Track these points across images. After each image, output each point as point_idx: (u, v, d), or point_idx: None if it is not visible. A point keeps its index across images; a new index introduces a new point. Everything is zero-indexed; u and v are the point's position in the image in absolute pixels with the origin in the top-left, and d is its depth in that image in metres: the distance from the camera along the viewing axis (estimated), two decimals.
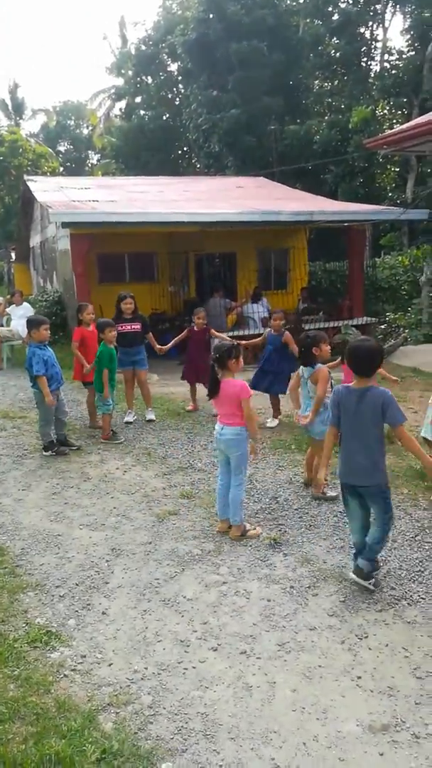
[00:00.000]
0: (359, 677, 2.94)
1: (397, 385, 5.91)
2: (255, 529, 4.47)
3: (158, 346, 7.63)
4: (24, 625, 3.42)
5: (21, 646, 3.21)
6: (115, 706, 2.79)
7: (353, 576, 3.70)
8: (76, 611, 3.57)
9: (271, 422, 7.19)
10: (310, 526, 4.57)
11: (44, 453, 6.32)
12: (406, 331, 12.48)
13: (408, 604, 3.52)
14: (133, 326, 7.36)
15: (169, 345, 7.70)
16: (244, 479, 4.49)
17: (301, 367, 5.25)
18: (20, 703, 2.78)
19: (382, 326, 13.00)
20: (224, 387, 4.34)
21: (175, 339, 7.83)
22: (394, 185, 24.27)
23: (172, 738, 2.60)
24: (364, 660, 3.07)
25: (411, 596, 3.60)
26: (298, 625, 3.36)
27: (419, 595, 3.59)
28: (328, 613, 3.47)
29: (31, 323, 6.34)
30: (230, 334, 11.61)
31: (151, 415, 7.52)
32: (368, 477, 3.56)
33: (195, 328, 7.76)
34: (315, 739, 2.58)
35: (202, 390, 7.59)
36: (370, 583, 3.66)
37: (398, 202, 20.18)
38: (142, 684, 2.94)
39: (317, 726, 2.65)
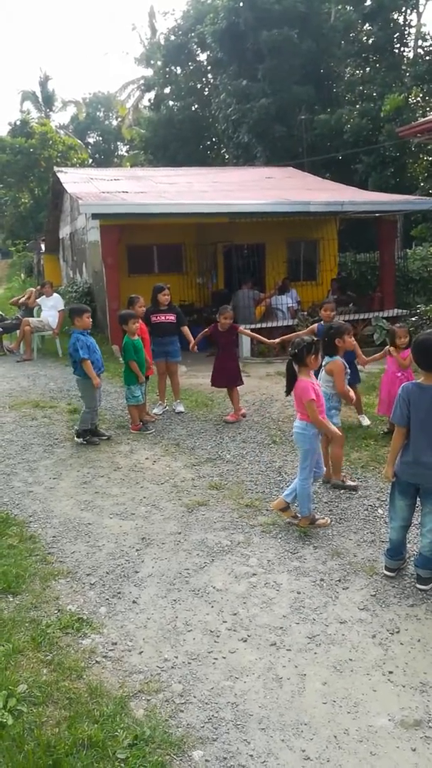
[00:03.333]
0: (391, 672, 2.92)
1: None
2: (324, 518, 4.47)
3: (192, 342, 7.44)
4: (56, 611, 3.47)
5: (53, 632, 3.26)
6: (146, 694, 2.81)
7: (421, 587, 3.57)
8: (107, 599, 3.60)
9: (363, 420, 6.78)
10: (341, 519, 4.53)
11: (76, 439, 6.41)
12: None
13: None
14: (167, 317, 7.37)
15: (197, 339, 7.47)
16: (311, 474, 4.46)
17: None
18: (53, 688, 2.82)
19: (413, 318, 12.77)
20: (297, 384, 4.37)
21: (201, 334, 7.44)
22: (426, 175, 23.76)
23: (203, 726, 2.61)
24: (396, 655, 3.04)
25: None
26: (329, 618, 3.35)
27: None
28: (358, 607, 3.44)
29: (75, 311, 6.52)
30: (258, 326, 11.60)
31: (180, 407, 7.54)
32: None
33: (220, 329, 7.18)
34: (346, 732, 2.57)
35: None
36: None
37: (431, 192, 19.78)
38: (173, 672, 2.96)
39: (348, 719, 2.64)
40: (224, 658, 3.06)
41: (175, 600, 3.57)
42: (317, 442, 4.48)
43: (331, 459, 5.12)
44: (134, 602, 3.57)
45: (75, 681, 2.88)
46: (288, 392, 4.48)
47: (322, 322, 6.88)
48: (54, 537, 4.40)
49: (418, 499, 3.63)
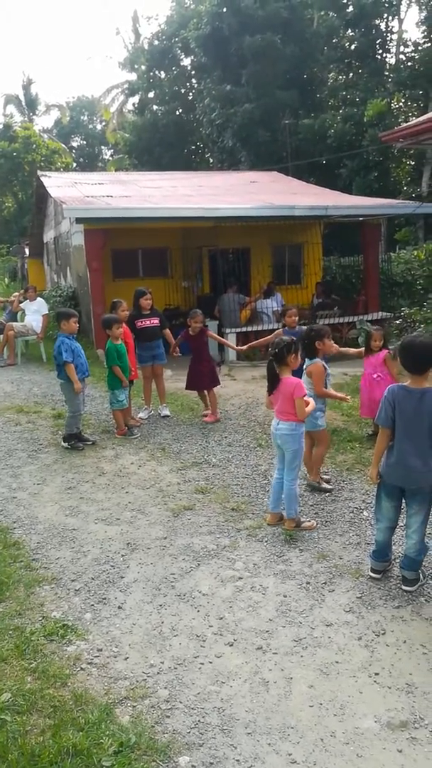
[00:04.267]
0: (377, 674, 2.92)
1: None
2: (310, 521, 4.48)
3: (173, 346, 7.50)
4: (40, 618, 3.44)
5: (38, 639, 3.23)
6: (132, 700, 2.79)
7: (406, 588, 3.59)
8: (92, 605, 3.57)
9: None
10: (326, 522, 4.54)
11: (63, 444, 6.38)
12: (422, 325, 12.35)
13: (426, 600, 3.49)
14: (151, 321, 7.37)
15: (177, 342, 7.49)
16: (298, 474, 4.50)
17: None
18: (38, 696, 2.79)
19: (398, 321, 12.87)
20: (282, 383, 4.37)
21: (179, 338, 7.49)
22: (409, 179, 24.04)
23: (189, 732, 2.60)
24: (382, 656, 3.04)
25: (428, 593, 3.57)
26: (315, 621, 3.35)
27: None
28: (344, 609, 3.45)
29: (62, 315, 6.51)
30: (244, 329, 11.63)
31: (165, 411, 7.53)
32: (422, 479, 3.47)
33: (191, 332, 7.25)
34: (333, 735, 2.57)
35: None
36: (421, 582, 3.62)
37: (413, 196, 19.99)
38: (159, 678, 2.94)
39: (335, 722, 2.64)
40: (210, 662, 3.05)
41: (161, 605, 3.56)
42: (303, 441, 4.50)
43: (312, 459, 5.15)
44: (120, 608, 3.55)
45: (60, 688, 2.86)
46: (270, 391, 4.49)
47: (286, 328, 6.99)
48: (38, 543, 4.37)
49: (403, 501, 3.65)
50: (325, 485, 5.17)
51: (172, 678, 2.94)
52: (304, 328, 6.93)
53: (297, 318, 7.15)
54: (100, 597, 3.66)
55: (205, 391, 7.43)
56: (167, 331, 7.54)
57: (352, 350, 6.49)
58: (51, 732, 2.57)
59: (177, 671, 2.99)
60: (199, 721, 2.66)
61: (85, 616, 3.47)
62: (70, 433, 6.43)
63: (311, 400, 4.48)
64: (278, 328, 11.22)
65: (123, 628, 3.36)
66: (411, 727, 2.59)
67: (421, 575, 3.66)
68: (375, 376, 6.17)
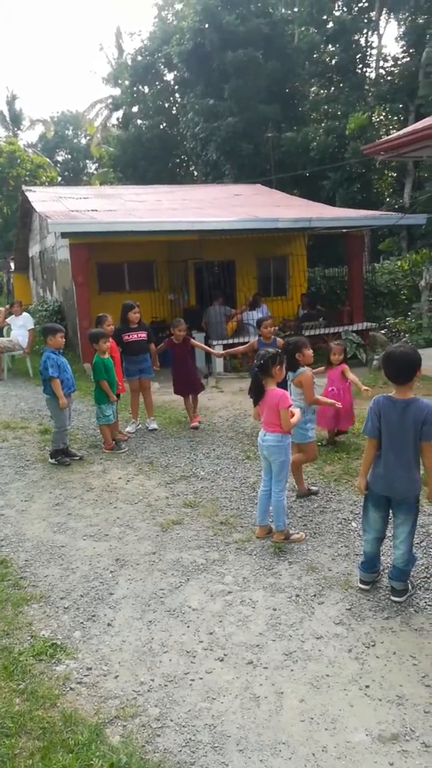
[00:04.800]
0: (367, 686, 2.92)
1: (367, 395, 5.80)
2: (299, 533, 4.48)
3: (153, 358, 7.56)
4: (29, 637, 3.40)
5: (26, 659, 3.19)
6: (122, 719, 2.77)
7: (395, 599, 3.59)
8: (81, 623, 3.55)
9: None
10: (315, 533, 4.55)
11: (50, 460, 6.36)
12: (407, 335, 12.48)
13: (415, 611, 3.50)
14: (139, 335, 7.39)
15: (154, 359, 7.55)
16: (286, 485, 4.51)
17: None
18: (26, 717, 2.76)
19: (383, 331, 12.99)
20: (267, 395, 4.39)
21: (156, 351, 7.54)
22: (391, 190, 24.37)
23: (180, 751, 2.58)
24: (372, 668, 3.05)
25: (418, 603, 3.58)
26: (305, 634, 3.34)
27: (426, 602, 3.58)
28: (334, 622, 3.45)
29: (48, 330, 6.50)
30: (230, 341, 11.66)
31: (153, 425, 7.52)
32: (407, 489, 3.51)
33: (174, 341, 7.44)
34: (324, 749, 2.56)
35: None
36: (410, 593, 3.64)
37: (396, 207, 20.24)
38: (149, 696, 2.92)
39: (326, 736, 2.63)
40: (201, 678, 3.03)
41: (150, 621, 3.54)
42: (290, 452, 4.52)
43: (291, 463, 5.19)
44: (109, 625, 3.52)
45: (49, 710, 2.82)
46: (256, 402, 4.51)
47: (261, 339, 7.07)
48: (26, 561, 4.33)
49: (390, 511, 3.68)
50: (313, 488, 5.30)
51: (163, 695, 2.92)
52: (279, 339, 7.03)
53: (273, 329, 7.22)
54: (89, 614, 3.63)
55: (191, 396, 7.60)
56: (152, 346, 7.56)
57: (319, 369, 6.55)
58: (40, 755, 2.54)
59: (167, 688, 2.97)
60: (190, 739, 2.64)
61: (74, 635, 3.44)
62: (56, 448, 6.40)
63: (297, 411, 4.51)
64: None
65: (113, 645, 3.33)
66: (402, 739, 2.59)
67: (409, 586, 3.67)
68: (330, 389, 6.32)
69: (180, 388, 7.64)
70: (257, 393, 4.49)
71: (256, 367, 4.47)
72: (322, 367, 6.47)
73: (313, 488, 5.31)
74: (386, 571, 3.81)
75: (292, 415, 4.40)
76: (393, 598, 3.61)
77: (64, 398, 6.27)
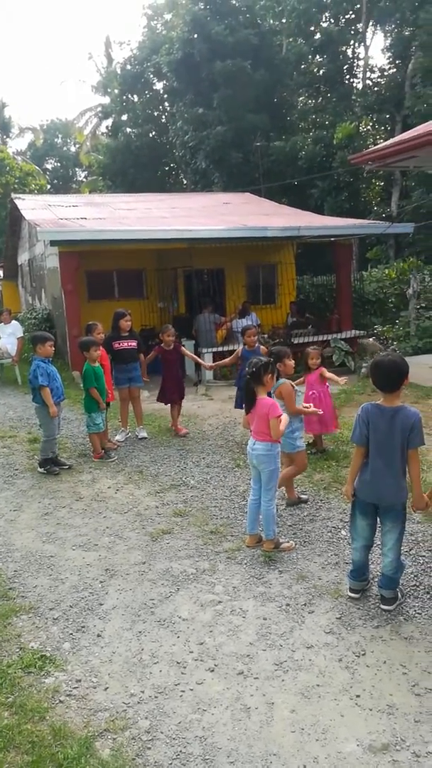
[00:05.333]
0: (358, 696, 2.92)
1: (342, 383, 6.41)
2: (289, 542, 4.49)
3: (143, 369, 7.55)
4: (18, 649, 3.37)
5: (15, 672, 3.16)
6: (112, 732, 2.75)
7: (385, 607, 3.60)
8: (71, 634, 3.52)
9: None
10: (305, 542, 4.55)
11: (39, 469, 6.32)
12: (395, 343, 12.57)
13: (404, 619, 3.51)
14: (129, 343, 7.38)
15: (143, 370, 7.55)
16: (276, 494, 4.52)
17: None
18: (15, 732, 2.73)
19: (371, 338, 13.07)
20: (258, 404, 4.40)
21: (146, 361, 7.56)
22: (379, 199, 24.58)
23: (171, 764, 2.56)
24: (363, 678, 3.05)
25: (407, 611, 3.59)
26: (295, 644, 3.34)
27: (415, 610, 3.59)
28: (324, 631, 3.45)
29: (37, 339, 6.48)
30: (220, 349, 11.68)
31: (143, 433, 7.50)
32: (394, 496, 3.54)
33: (164, 347, 7.47)
34: (315, 760, 2.56)
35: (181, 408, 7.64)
36: (400, 601, 3.65)
37: (384, 216, 20.42)
38: (139, 708, 2.90)
39: (317, 747, 2.63)
40: (191, 689, 3.02)
41: (140, 632, 3.52)
42: (279, 461, 4.52)
43: (282, 476, 5.18)
44: (99, 636, 3.50)
45: (38, 723, 2.80)
46: (248, 411, 4.52)
47: (245, 347, 7.10)
48: (15, 571, 4.29)
49: (378, 519, 3.69)
50: (302, 496, 5.32)
51: (153, 707, 2.90)
52: (262, 347, 7.06)
53: (257, 338, 7.27)
54: (78, 625, 3.61)
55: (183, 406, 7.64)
56: (141, 356, 7.55)
57: (300, 380, 6.65)
58: None
59: (158, 700, 2.95)
60: (180, 751, 2.62)
61: (63, 646, 3.41)
62: (45, 457, 6.37)
63: (285, 417, 4.51)
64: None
65: (102, 656, 3.31)
66: (393, 749, 2.59)
67: (399, 594, 3.69)
68: (311, 393, 6.41)
69: (170, 396, 7.60)
70: (249, 401, 4.50)
71: (248, 375, 4.48)
72: (301, 379, 6.55)
73: (303, 496, 5.33)
74: (376, 579, 3.82)
75: (280, 421, 4.41)
76: (383, 606, 3.62)
77: (54, 407, 6.24)
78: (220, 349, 11.75)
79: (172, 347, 7.48)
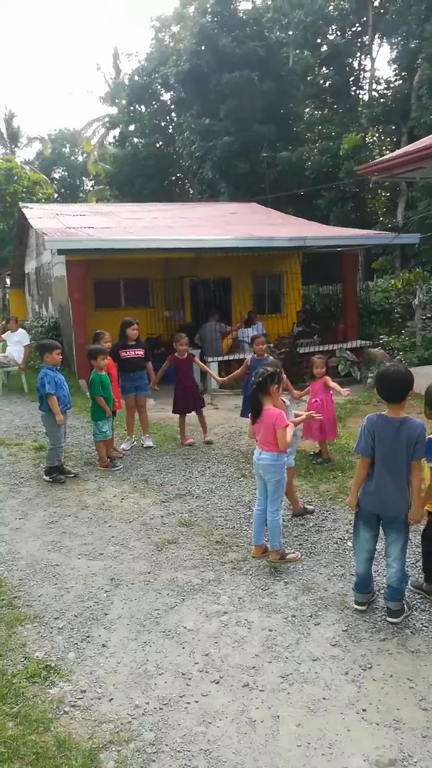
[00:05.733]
0: (364, 710, 2.90)
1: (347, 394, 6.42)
2: (294, 553, 4.47)
3: (154, 380, 7.55)
4: (23, 659, 3.36)
5: (20, 682, 3.15)
6: (117, 744, 2.73)
7: (392, 620, 3.58)
8: (76, 644, 3.51)
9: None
10: (310, 553, 4.53)
11: (44, 477, 6.33)
12: (401, 353, 12.54)
13: (411, 632, 3.49)
14: (137, 352, 7.40)
15: (155, 380, 7.54)
16: (282, 505, 4.50)
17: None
18: (19, 742, 2.72)
19: (376, 348, 13.05)
20: (264, 414, 4.39)
21: (159, 372, 7.54)
22: (385, 210, 24.65)
23: None
24: (369, 692, 3.02)
25: (414, 624, 3.57)
26: (301, 656, 3.32)
27: (422, 623, 3.56)
28: (330, 643, 3.43)
29: (44, 347, 6.51)
30: (225, 358, 11.69)
31: (149, 442, 7.50)
32: (399, 507, 3.54)
33: (178, 356, 7.45)
34: None
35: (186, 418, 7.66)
36: (406, 614, 3.62)
37: (390, 226, 20.46)
38: (144, 720, 2.89)
39: (323, 762, 2.60)
40: (196, 702, 3.00)
41: (145, 642, 3.50)
42: (285, 471, 4.51)
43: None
44: (104, 646, 3.49)
45: (42, 734, 2.78)
46: (254, 421, 4.52)
47: (254, 357, 7.09)
48: (21, 580, 4.29)
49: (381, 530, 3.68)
50: (308, 507, 5.31)
51: (158, 719, 2.89)
52: (271, 358, 7.05)
53: (265, 347, 7.27)
54: (83, 635, 3.60)
55: (188, 416, 7.58)
56: (149, 364, 7.56)
57: (306, 390, 6.81)
58: None
59: (162, 712, 2.94)
60: (185, 764, 2.61)
61: (68, 656, 3.40)
62: (51, 465, 6.38)
63: (292, 428, 4.50)
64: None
65: (107, 667, 3.30)
66: (400, 765, 2.57)
67: (405, 606, 3.66)
68: (314, 400, 6.48)
69: (182, 406, 7.54)
70: (255, 411, 4.50)
71: (254, 384, 4.48)
72: (307, 388, 6.69)
73: (309, 507, 5.31)
74: (381, 591, 3.80)
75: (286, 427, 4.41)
76: (389, 619, 3.60)
77: (60, 414, 6.26)
78: (225, 358, 11.76)
79: (186, 356, 7.48)
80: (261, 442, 4.46)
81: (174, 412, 7.66)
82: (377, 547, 3.75)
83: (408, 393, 3.49)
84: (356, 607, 3.75)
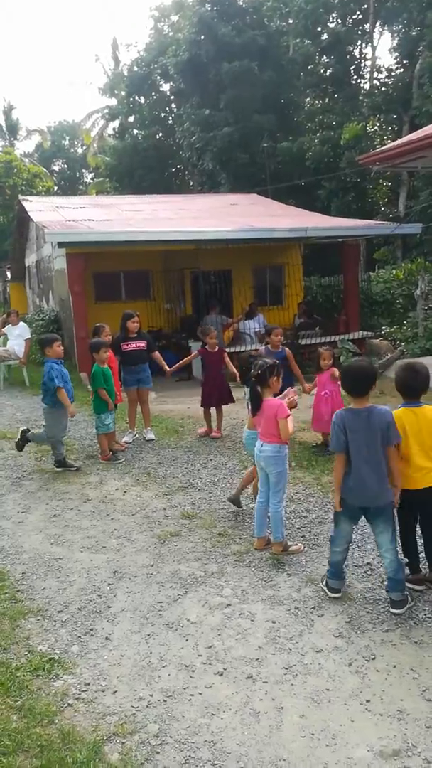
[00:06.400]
0: (368, 701, 2.90)
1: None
2: (297, 545, 4.47)
3: (166, 368, 7.57)
4: (26, 652, 3.37)
5: (23, 675, 3.16)
6: (121, 736, 2.74)
7: (395, 611, 3.57)
8: (79, 637, 3.52)
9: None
10: (313, 545, 4.53)
11: (56, 468, 6.42)
12: (403, 344, 12.51)
13: (414, 623, 3.49)
14: (138, 344, 7.38)
15: (175, 367, 7.64)
16: (284, 496, 4.49)
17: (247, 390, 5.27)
18: (24, 735, 2.73)
19: (378, 339, 13.03)
20: (265, 405, 4.39)
21: (184, 360, 7.71)
22: (386, 200, 24.49)
23: None
24: (372, 682, 3.03)
25: (417, 615, 3.56)
26: (305, 648, 3.32)
27: (426, 614, 3.56)
28: (334, 635, 3.43)
29: (44, 342, 6.53)
30: (227, 350, 11.65)
31: (150, 435, 7.50)
32: (381, 497, 3.58)
33: (209, 349, 7.50)
34: (325, 766, 2.54)
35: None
36: (410, 605, 3.62)
37: (391, 216, 20.36)
38: (148, 712, 2.89)
39: (327, 753, 2.61)
40: (200, 693, 3.01)
41: (149, 635, 3.51)
42: (287, 463, 4.50)
43: (245, 479, 5.23)
44: (107, 639, 3.49)
45: (47, 727, 2.79)
46: (254, 413, 4.51)
47: (269, 347, 7.04)
48: (23, 573, 4.30)
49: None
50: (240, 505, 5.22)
51: (162, 711, 2.89)
52: (287, 350, 7.03)
53: (282, 338, 7.20)
54: (87, 628, 3.60)
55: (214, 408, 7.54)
56: (156, 354, 7.56)
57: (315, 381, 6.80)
58: None
59: (166, 704, 2.94)
60: (189, 756, 2.61)
61: (72, 649, 3.41)
62: (62, 456, 6.44)
63: (291, 420, 4.48)
64: (260, 348, 11.33)
65: (111, 660, 3.30)
66: (404, 755, 2.57)
67: (408, 598, 3.66)
68: (323, 393, 6.51)
69: (207, 400, 7.51)
70: (255, 403, 4.48)
71: (253, 377, 4.47)
72: (314, 382, 6.69)
73: (240, 507, 5.21)
74: (385, 583, 3.79)
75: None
76: (393, 610, 3.60)
77: (72, 406, 6.35)
78: (227, 350, 11.72)
79: (216, 350, 7.46)
80: (262, 434, 4.45)
81: (202, 405, 7.64)
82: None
83: (371, 386, 3.59)
84: (332, 595, 3.78)
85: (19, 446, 6.58)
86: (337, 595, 3.78)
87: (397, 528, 3.74)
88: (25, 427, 6.71)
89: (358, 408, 3.58)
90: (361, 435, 3.53)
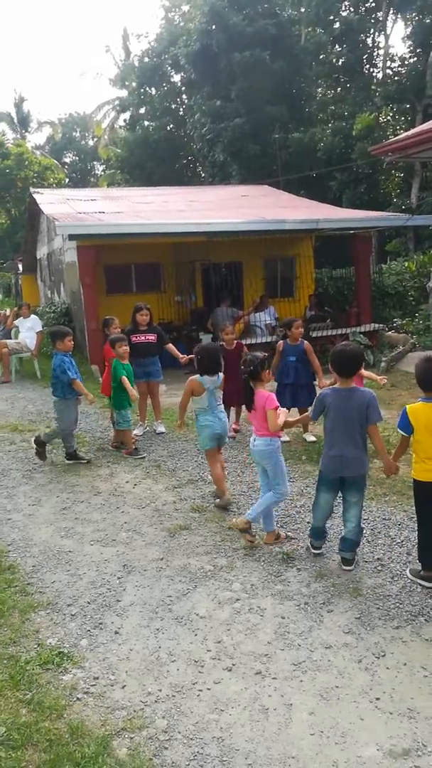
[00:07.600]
0: (378, 698, 2.88)
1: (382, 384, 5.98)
2: (287, 533, 4.61)
3: (181, 356, 7.40)
4: (36, 646, 3.38)
5: (33, 669, 3.16)
6: (130, 731, 2.73)
7: (346, 568, 4.00)
8: (88, 630, 3.52)
9: (308, 437, 6.88)
10: None
11: (67, 461, 6.44)
12: (415, 337, 12.40)
13: (425, 620, 3.45)
14: (147, 337, 7.33)
15: (189, 357, 7.48)
16: (284, 491, 4.44)
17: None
18: (33, 729, 2.73)
19: (391, 332, 12.91)
20: (255, 397, 4.40)
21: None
22: (398, 191, 24.24)
23: (188, 764, 2.54)
24: (382, 680, 3.00)
25: (428, 612, 3.53)
26: (314, 644, 3.30)
27: None
28: (343, 631, 3.41)
29: (56, 335, 6.53)
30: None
31: (161, 428, 7.49)
32: (359, 467, 3.94)
33: (226, 347, 6.93)
34: (334, 764, 2.52)
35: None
36: (355, 564, 4.05)
37: (403, 207, 20.13)
38: (157, 707, 2.89)
39: (336, 751, 2.59)
40: (209, 689, 3.00)
41: (158, 629, 3.50)
42: (280, 455, 4.45)
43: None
44: (116, 633, 3.49)
45: (55, 721, 2.79)
46: (249, 408, 4.48)
47: (288, 341, 6.89)
48: (34, 566, 4.31)
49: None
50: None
51: (170, 706, 2.89)
52: (306, 343, 6.84)
53: (302, 330, 6.97)
54: (96, 622, 3.60)
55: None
56: (170, 345, 7.50)
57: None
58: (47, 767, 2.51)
59: (175, 699, 2.94)
60: (198, 752, 2.60)
61: (81, 643, 3.41)
62: (73, 449, 6.44)
63: (283, 411, 4.44)
64: (271, 341, 11.28)
65: (120, 654, 3.30)
66: (414, 754, 2.55)
67: (356, 556, 4.07)
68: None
69: (234, 399, 6.84)
70: (249, 399, 4.45)
71: (246, 373, 4.43)
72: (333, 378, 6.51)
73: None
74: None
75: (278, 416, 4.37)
76: (344, 567, 4.00)
77: (90, 394, 6.44)
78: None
79: (234, 345, 7.04)
80: (255, 428, 4.45)
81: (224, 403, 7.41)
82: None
83: (358, 369, 3.97)
84: (314, 551, 4.21)
85: (40, 454, 6.47)
86: (318, 551, 4.22)
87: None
88: (34, 437, 6.66)
89: (343, 387, 3.93)
90: (341, 412, 3.88)
